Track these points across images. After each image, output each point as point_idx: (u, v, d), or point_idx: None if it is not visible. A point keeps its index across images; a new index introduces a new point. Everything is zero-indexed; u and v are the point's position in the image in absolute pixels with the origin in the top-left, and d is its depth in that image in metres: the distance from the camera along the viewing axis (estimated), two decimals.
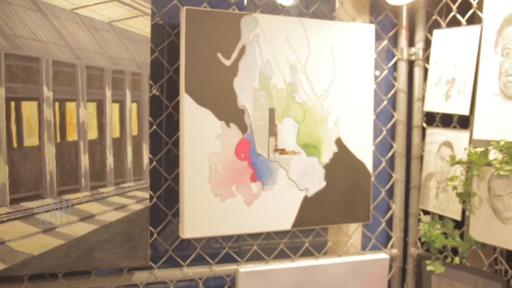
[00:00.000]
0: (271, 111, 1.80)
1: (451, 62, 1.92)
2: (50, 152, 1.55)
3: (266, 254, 1.94)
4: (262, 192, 1.80)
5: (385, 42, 2.10)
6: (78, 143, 1.59)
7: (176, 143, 1.77)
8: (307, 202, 1.87)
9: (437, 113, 2.04)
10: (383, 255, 2.03)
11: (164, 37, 1.78)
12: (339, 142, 1.91)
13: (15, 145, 1.50)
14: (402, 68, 2.12)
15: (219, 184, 1.74)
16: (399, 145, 2.13)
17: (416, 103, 2.12)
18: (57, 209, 1.57)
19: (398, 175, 2.13)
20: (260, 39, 1.77)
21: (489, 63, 1.74)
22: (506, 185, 1.64)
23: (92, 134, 1.61)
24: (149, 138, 1.70)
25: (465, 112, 1.85)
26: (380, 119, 2.10)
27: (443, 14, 2.04)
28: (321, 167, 1.89)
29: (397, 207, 2.14)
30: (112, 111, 1.64)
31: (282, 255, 1.97)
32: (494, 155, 1.67)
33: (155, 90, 1.76)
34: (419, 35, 2.10)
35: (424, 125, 2.11)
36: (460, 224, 1.89)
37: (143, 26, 1.66)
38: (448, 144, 1.94)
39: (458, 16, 1.94)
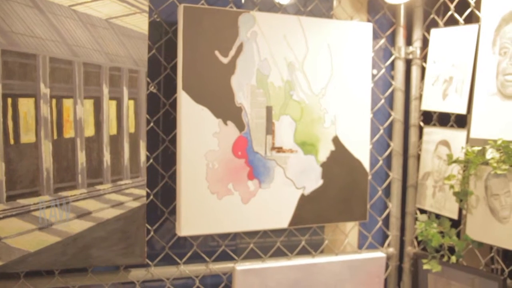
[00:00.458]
0: (269, 109, 1.80)
1: (448, 61, 1.92)
2: (47, 149, 1.55)
3: (263, 252, 1.94)
4: (259, 190, 1.80)
5: (382, 41, 2.10)
6: (75, 140, 1.59)
7: (173, 141, 1.77)
8: (304, 201, 1.87)
9: (435, 112, 2.04)
10: (379, 254, 2.04)
11: (162, 35, 1.78)
12: (336, 141, 1.91)
13: (11, 141, 1.50)
14: (400, 66, 2.12)
15: (216, 182, 1.74)
16: (396, 144, 2.13)
17: (413, 102, 2.12)
18: (53, 206, 1.56)
19: (395, 173, 2.14)
20: (257, 37, 1.77)
21: (486, 62, 1.74)
22: (503, 184, 1.64)
23: (89, 131, 1.61)
24: (146, 135, 1.70)
25: (463, 111, 1.85)
26: (377, 117, 2.10)
27: (440, 13, 2.04)
28: (318, 166, 1.89)
29: (393, 206, 2.14)
30: (109, 108, 1.63)
31: (278, 253, 1.97)
32: (491, 154, 1.67)
33: (152, 87, 1.76)
34: (417, 34, 2.10)
35: (421, 124, 2.11)
36: (456, 223, 1.90)
37: (140, 23, 1.65)
38: (445, 143, 1.94)
39: (456, 15, 1.94)
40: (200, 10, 1.70)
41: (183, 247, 1.85)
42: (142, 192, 1.68)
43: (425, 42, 2.08)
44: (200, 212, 1.72)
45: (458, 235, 1.89)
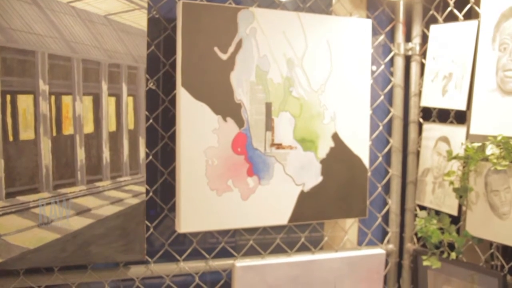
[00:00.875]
0: (268, 106, 1.80)
1: (448, 57, 1.92)
2: (46, 146, 1.55)
3: (263, 249, 1.94)
4: (259, 186, 1.80)
5: (382, 37, 2.10)
6: (74, 137, 1.59)
7: (172, 137, 1.77)
8: (303, 197, 1.87)
9: (434, 108, 2.04)
10: (379, 251, 2.04)
11: (161, 31, 1.78)
12: (335, 137, 1.91)
13: (10, 138, 1.50)
14: (399, 63, 2.12)
15: (216, 178, 1.74)
16: (395, 140, 2.13)
17: (412, 98, 2.11)
18: (53, 203, 1.56)
19: (395, 170, 2.13)
20: (257, 33, 1.77)
21: (486, 58, 1.73)
22: (503, 180, 1.64)
23: (88, 127, 1.61)
24: (146, 132, 1.70)
25: (462, 107, 1.84)
26: (376, 114, 2.10)
27: (440, 9, 2.03)
28: (318, 162, 1.89)
29: (393, 202, 2.14)
30: (108, 105, 1.63)
31: (278, 250, 1.97)
32: (491, 150, 1.67)
33: (151, 84, 1.76)
34: (416, 30, 2.10)
35: (421, 120, 2.10)
36: (456, 220, 1.90)
37: (139, 20, 1.65)
38: (445, 139, 1.94)
39: (455, 11, 1.94)
40: (199, 7, 1.70)
41: (182, 244, 1.85)
42: (142, 188, 1.68)
43: (424, 38, 2.08)
44: (200, 208, 1.72)
45: (457, 231, 1.89)
